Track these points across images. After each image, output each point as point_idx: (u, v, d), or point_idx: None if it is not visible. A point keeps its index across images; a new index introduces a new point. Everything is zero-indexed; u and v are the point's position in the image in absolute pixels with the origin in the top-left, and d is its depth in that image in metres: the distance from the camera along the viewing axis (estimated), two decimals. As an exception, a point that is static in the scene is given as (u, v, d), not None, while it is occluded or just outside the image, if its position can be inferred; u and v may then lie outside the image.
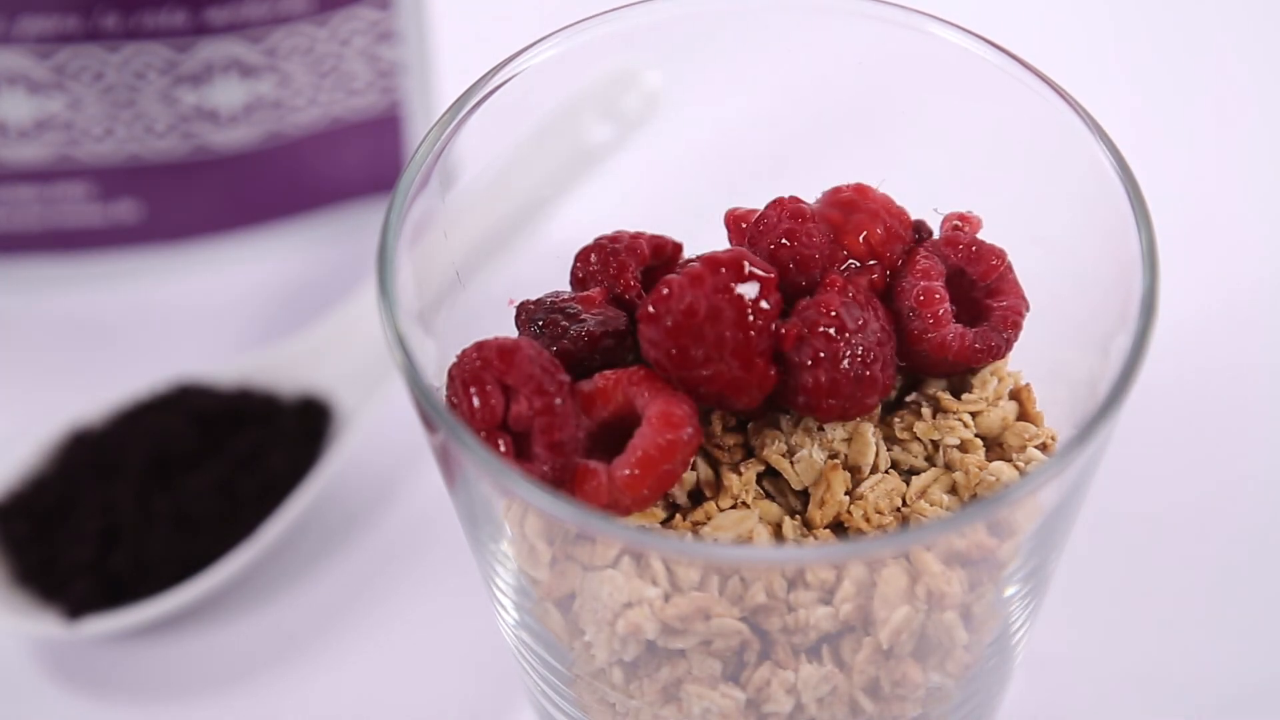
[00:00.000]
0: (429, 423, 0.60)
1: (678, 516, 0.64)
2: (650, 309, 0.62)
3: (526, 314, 0.67)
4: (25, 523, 0.83)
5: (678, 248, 0.70)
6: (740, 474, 0.64)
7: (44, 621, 0.81)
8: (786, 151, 0.73)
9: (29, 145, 0.90)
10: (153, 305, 0.95)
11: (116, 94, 0.89)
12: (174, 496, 0.83)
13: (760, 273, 0.62)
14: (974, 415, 0.66)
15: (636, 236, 0.69)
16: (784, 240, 0.65)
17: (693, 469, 0.64)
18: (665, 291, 0.62)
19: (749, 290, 0.62)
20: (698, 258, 0.62)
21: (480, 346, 0.62)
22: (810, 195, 0.67)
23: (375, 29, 0.91)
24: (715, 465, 0.65)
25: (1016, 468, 0.65)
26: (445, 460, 0.62)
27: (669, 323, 0.61)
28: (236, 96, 0.90)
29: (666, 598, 0.60)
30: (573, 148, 0.81)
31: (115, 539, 0.82)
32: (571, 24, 0.68)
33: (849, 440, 0.65)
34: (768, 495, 0.65)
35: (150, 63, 0.88)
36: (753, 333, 0.61)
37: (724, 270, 0.61)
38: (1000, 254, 0.66)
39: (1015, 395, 0.67)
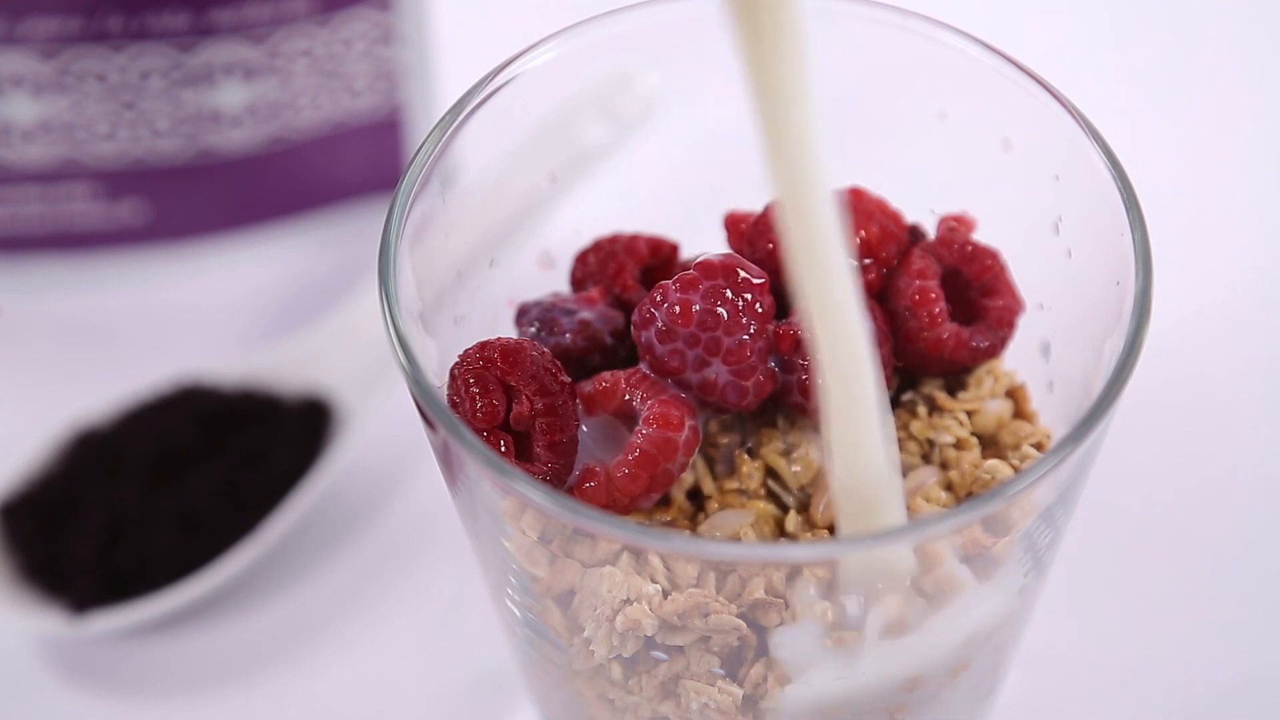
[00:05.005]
0: (430, 422, 0.61)
1: (676, 515, 0.64)
2: (644, 314, 0.62)
3: (525, 315, 0.67)
4: (30, 520, 0.83)
5: (675, 248, 0.70)
6: (738, 473, 0.64)
7: (48, 618, 0.81)
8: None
9: (33, 146, 0.91)
10: (156, 305, 0.95)
11: (120, 95, 0.89)
12: (177, 495, 0.83)
13: (753, 277, 0.62)
14: (969, 414, 0.66)
15: (634, 237, 0.70)
16: (783, 240, 0.65)
17: (691, 468, 0.65)
18: (659, 297, 0.62)
19: (742, 294, 0.62)
20: (692, 263, 0.63)
21: (483, 346, 0.63)
22: (807, 196, 0.68)
23: (377, 30, 0.91)
24: (713, 464, 0.65)
25: (1012, 466, 0.65)
26: (446, 459, 0.63)
27: (663, 328, 0.62)
28: (239, 98, 0.91)
29: (665, 595, 0.60)
30: (571, 148, 0.81)
31: (119, 537, 0.82)
32: (571, 25, 0.68)
33: (846, 439, 0.65)
34: (767, 494, 0.65)
35: (154, 64, 0.89)
36: (746, 336, 0.62)
37: (717, 275, 0.62)
38: (994, 254, 0.67)
39: (1010, 394, 0.68)
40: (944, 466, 0.66)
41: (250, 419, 0.86)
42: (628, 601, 0.60)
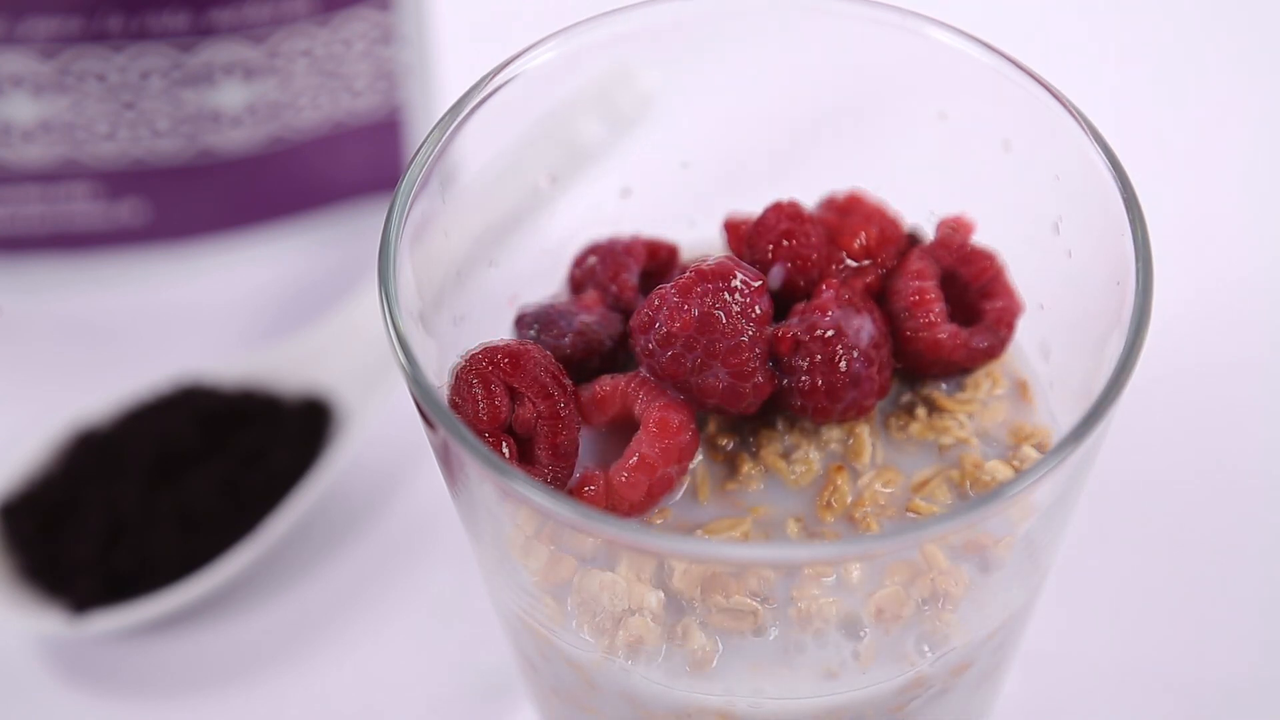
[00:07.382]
0: (430, 422, 0.61)
1: (678, 518, 0.64)
2: (642, 319, 0.62)
3: (525, 319, 0.67)
4: (30, 520, 0.83)
5: (673, 250, 0.70)
6: (738, 474, 0.64)
7: (48, 618, 0.81)
8: (782, 153, 0.73)
9: (33, 146, 0.91)
10: (156, 305, 0.95)
11: (120, 95, 0.89)
12: (177, 495, 0.83)
13: (750, 281, 0.62)
14: (970, 414, 0.66)
15: (633, 240, 0.70)
16: (783, 241, 0.65)
17: (691, 471, 0.65)
18: (656, 303, 0.62)
19: (739, 299, 0.62)
20: (690, 266, 0.63)
21: (488, 349, 0.63)
22: (806, 196, 0.68)
23: (377, 30, 0.91)
24: (713, 467, 0.65)
25: (1012, 466, 0.65)
26: (446, 460, 0.63)
27: (661, 333, 0.62)
28: (239, 98, 0.91)
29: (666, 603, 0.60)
30: (570, 148, 0.81)
31: (119, 536, 0.82)
32: (571, 25, 0.68)
33: (846, 441, 0.65)
34: (766, 495, 0.65)
35: (154, 64, 0.89)
36: (744, 339, 0.62)
37: (714, 279, 0.62)
38: (992, 256, 0.67)
39: (1010, 395, 0.68)
40: (944, 467, 0.66)
41: (250, 419, 0.86)
42: (630, 612, 0.60)
